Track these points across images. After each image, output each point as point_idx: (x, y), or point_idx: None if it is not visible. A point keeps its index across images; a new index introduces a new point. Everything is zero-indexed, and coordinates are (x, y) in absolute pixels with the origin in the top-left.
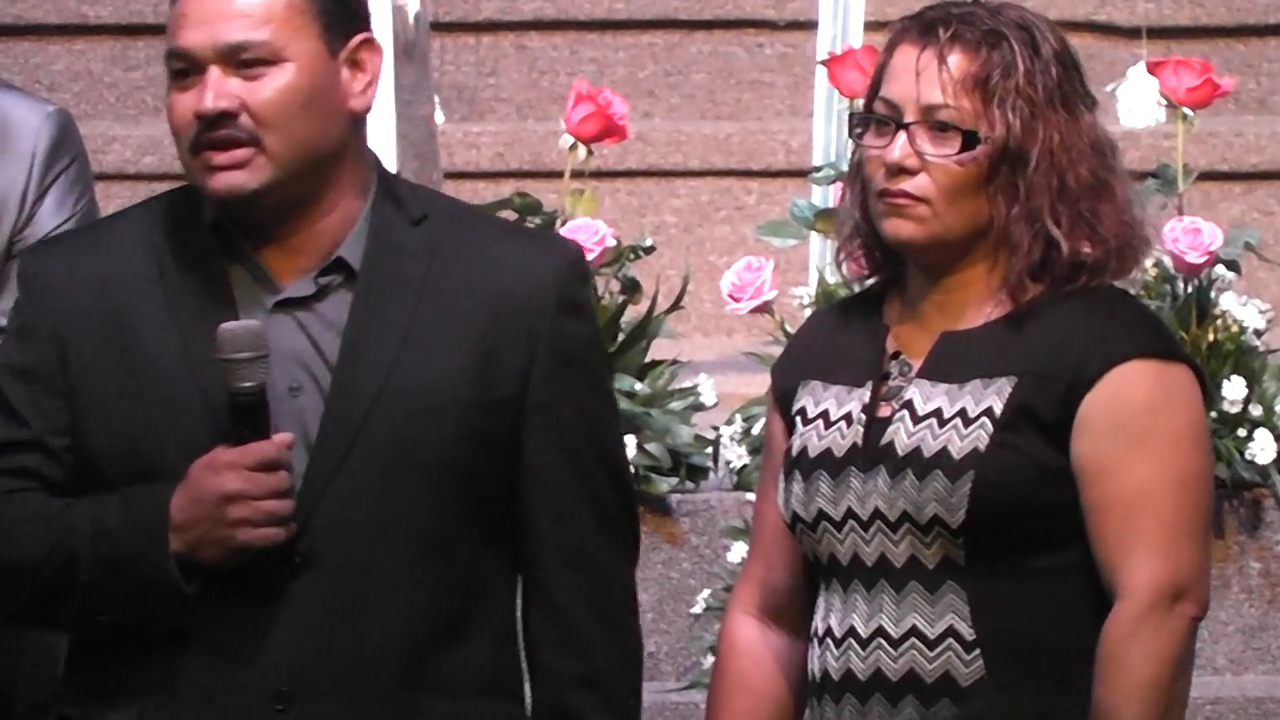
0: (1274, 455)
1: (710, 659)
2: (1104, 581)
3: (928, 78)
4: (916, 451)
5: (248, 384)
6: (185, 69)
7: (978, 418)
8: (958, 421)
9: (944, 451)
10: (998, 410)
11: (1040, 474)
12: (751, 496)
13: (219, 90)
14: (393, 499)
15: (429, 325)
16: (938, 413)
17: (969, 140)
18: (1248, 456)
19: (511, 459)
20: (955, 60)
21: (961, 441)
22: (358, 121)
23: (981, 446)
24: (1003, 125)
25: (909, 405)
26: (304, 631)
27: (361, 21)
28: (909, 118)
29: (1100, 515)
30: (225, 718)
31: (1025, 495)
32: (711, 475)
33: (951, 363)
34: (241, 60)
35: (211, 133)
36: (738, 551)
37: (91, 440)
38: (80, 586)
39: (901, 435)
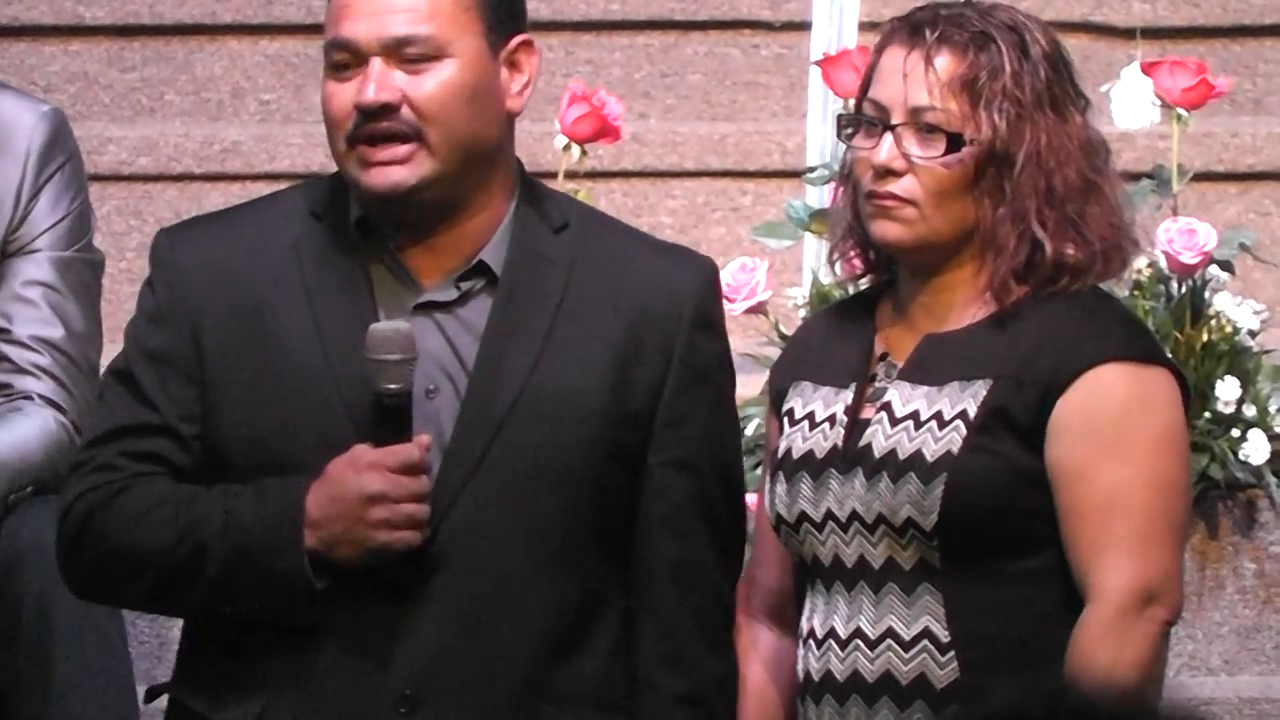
0: (1268, 456)
1: None
2: (1077, 585)
3: (915, 80)
4: (892, 454)
5: (394, 385)
6: (346, 61)
7: (952, 420)
8: (933, 424)
9: (918, 454)
10: (972, 413)
11: (1014, 477)
12: (749, 496)
13: (382, 82)
14: (523, 506)
15: (567, 335)
16: (915, 415)
17: (955, 142)
18: (1241, 457)
19: (636, 472)
20: (942, 62)
21: (935, 444)
22: (511, 123)
23: (955, 449)
24: (989, 127)
25: (888, 407)
26: (431, 635)
27: (521, 22)
28: (896, 120)
29: (1073, 518)
30: (349, 716)
31: (999, 498)
32: None
33: (932, 365)
34: (405, 54)
35: (372, 125)
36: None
37: (222, 428)
38: (209, 577)
39: (879, 437)
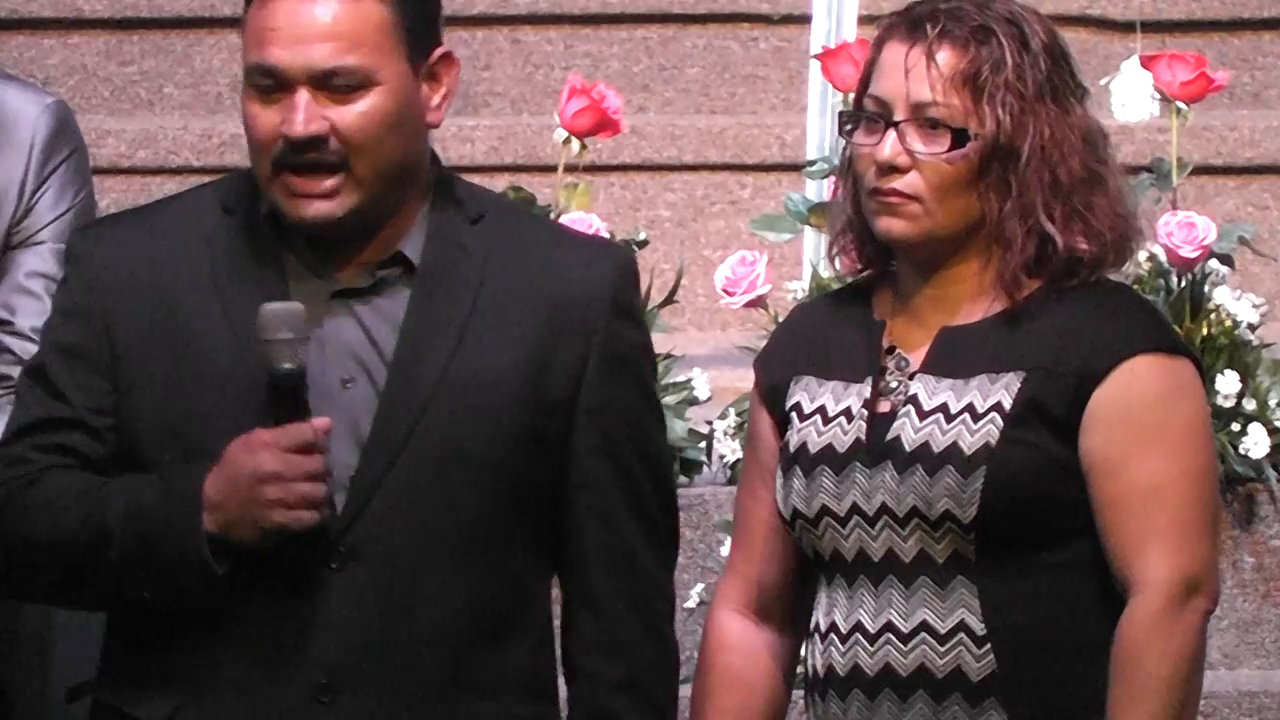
0: (1268, 449)
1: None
2: (1115, 576)
3: (917, 75)
4: (925, 447)
5: (287, 365)
6: (271, 86)
7: (987, 413)
8: (966, 417)
9: (954, 447)
10: (1007, 405)
11: (1050, 469)
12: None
13: (310, 114)
14: (443, 496)
15: (485, 324)
16: (944, 408)
17: (959, 138)
18: (1241, 451)
19: (558, 461)
20: (944, 57)
21: (972, 437)
22: (429, 133)
23: (993, 442)
24: (993, 121)
25: (914, 400)
26: (348, 625)
27: (438, 33)
28: (899, 116)
29: (1112, 510)
30: (266, 709)
31: (1036, 490)
32: (705, 470)
33: (954, 358)
34: (333, 85)
35: (299, 156)
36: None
37: (135, 421)
38: (112, 563)
39: (909, 430)
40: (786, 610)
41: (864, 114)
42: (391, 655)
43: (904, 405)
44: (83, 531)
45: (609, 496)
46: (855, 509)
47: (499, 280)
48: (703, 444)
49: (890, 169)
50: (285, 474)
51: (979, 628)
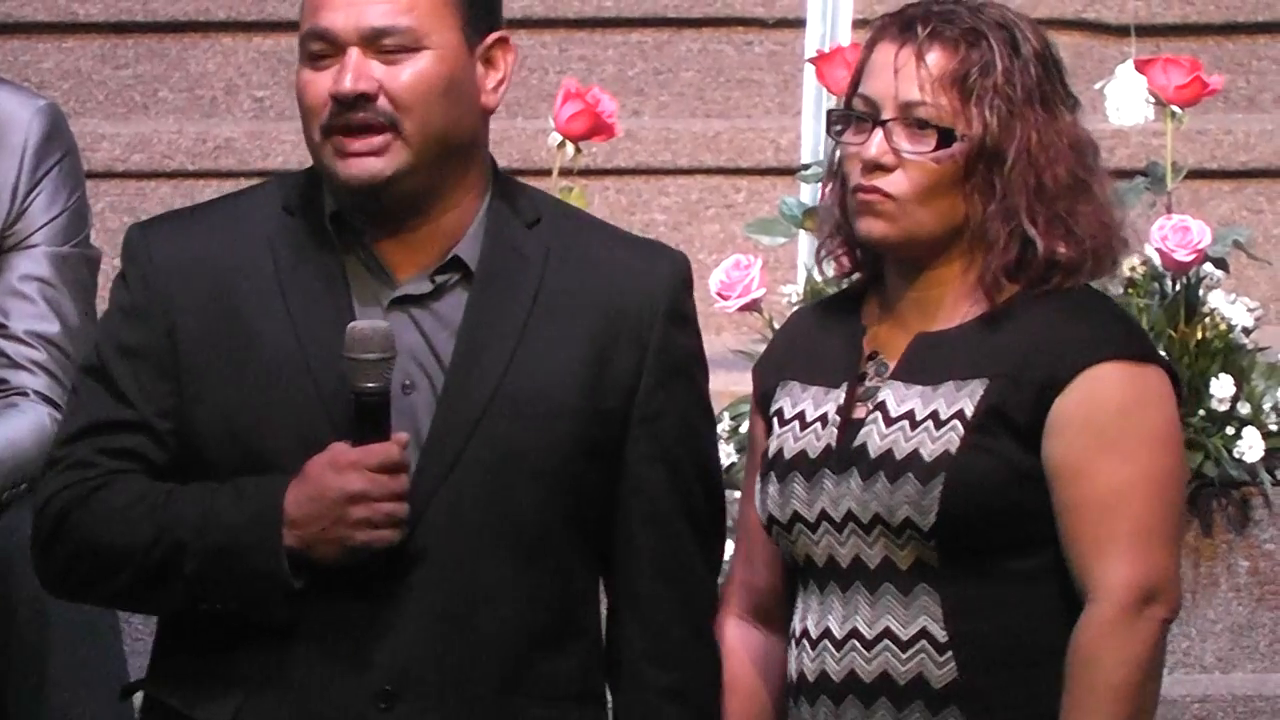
0: (1262, 453)
1: None
2: (1076, 583)
3: (906, 75)
4: (889, 454)
5: (373, 384)
6: (323, 51)
7: (949, 420)
8: (930, 424)
9: (915, 454)
10: (969, 412)
11: (1012, 476)
12: (735, 494)
13: (359, 72)
14: (501, 502)
15: (543, 330)
16: (910, 415)
17: (945, 138)
18: (1236, 455)
19: (613, 466)
20: (934, 58)
21: (933, 444)
22: (486, 119)
23: (953, 449)
24: (980, 123)
25: (882, 407)
26: (409, 631)
27: (498, 19)
28: (886, 115)
29: (1072, 517)
30: (327, 713)
31: (997, 498)
32: None
33: (926, 364)
34: (383, 45)
35: (348, 115)
36: (727, 549)
37: (197, 424)
38: (186, 576)
39: (874, 437)
40: (783, 615)
41: (852, 113)
42: (452, 660)
43: (873, 411)
44: (156, 543)
45: (663, 503)
46: (824, 515)
47: (555, 285)
48: None
49: (875, 167)
50: (372, 494)
51: (941, 635)
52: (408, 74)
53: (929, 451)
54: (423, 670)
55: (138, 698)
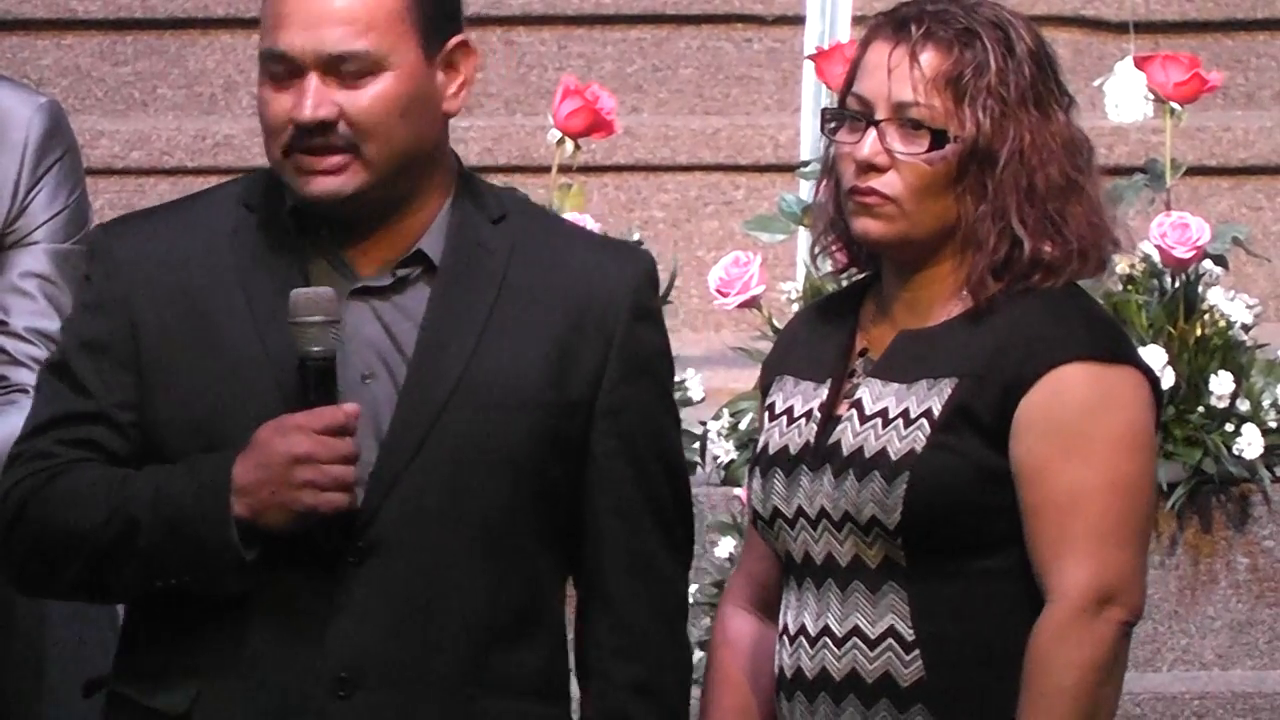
0: (1261, 450)
1: (699, 654)
2: (1038, 585)
3: (899, 75)
4: (859, 451)
5: (318, 348)
6: (283, 71)
7: (917, 419)
8: (899, 422)
9: (883, 452)
10: (936, 411)
11: (978, 476)
12: (739, 492)
13: (319, 99)
14: (462, 494)
15: (506, 323)
16: (883, 413)
17: (939, 139)
18: (1235, 451)
19: (577, 461)
20: (927, 58)
21: (900, 442)
22: (447, 123)
23: (918, 448)
24: (973, 124)
25: (858, 404)
26: (368, 618)
27: (457, 23)
28: (880, 115)
29: (1034, 517)
30: (285, 700)
31: (962, 497)
32: (699, 470)
33: (903, 362)
34: (343, 70)
35: (309, 140)
36: (725, 546)
37: (160, 415)
38: (139, 551)
39: (848, 435)
40: None
41: (846, 113)
42: (409, 651)
43: (850, 409)
44: (110, 521)
45: (627, 498)
46: (800, 511)
47: (520, 280)
48: (696, 445)
49: (869, 168)
50: (318, 455)
51: (908, 634)
52: (367, 99)
53: (895, 450)
54: (380, 659)
55: None
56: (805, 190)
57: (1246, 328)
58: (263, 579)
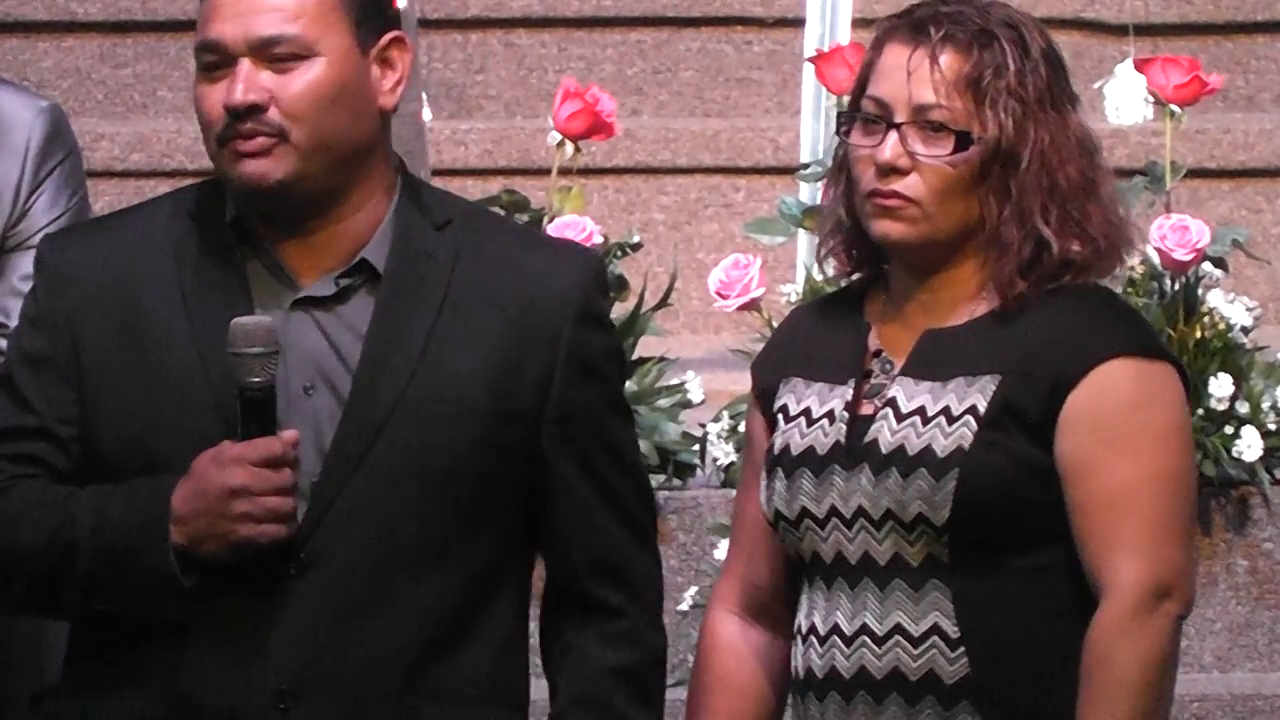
0: (1260, 452)
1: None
2: (1088, 580)
3: (919, 77)
4: (900, 450)
5: (257, 379)
6: (216, 61)
7: (962, 415)
8: (941, 419)
9: (928, 449)
10: (982, 408)
11: (1024, 472)
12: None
13: (249, 83)
14: (404, 505)
15: (451, 332)
16: (921, 410)
17: (962, 141)
18: (1234, 454)
19: (527, 468)
20: (947, 60)
21: (946, 440)
22: (385, 120)
23: (966, 445)
24: (995, 126)
25: (892, 403)
26: (308, 632)
27: (392, 20)
28: (900, 117)
29: (1084, 514)
30: (226, 714)
31: (1009, 493)
32: (699, 472)
33: (935, 360)
34: (273, 54)
35: (239, 125)
36: (724, 549)
37: (100, 431)
38: (79, 576)
39: (885, 433)
40: (781, 612)
41: (862, 115)
42: (349, 662)
43: (883, 408)
44: (50, 546)
45: (586, 500)
46: (833, 511)
47: (465, 287)
48: (696, 447)
49: (891, 170)
50: (254, 488)
51: (952, 631)
52: (299, 83)
53: (942, 447)
54: (321, 671)
55: None
56: (805, 193)
57: (1246, 330)
58: (202, 601)
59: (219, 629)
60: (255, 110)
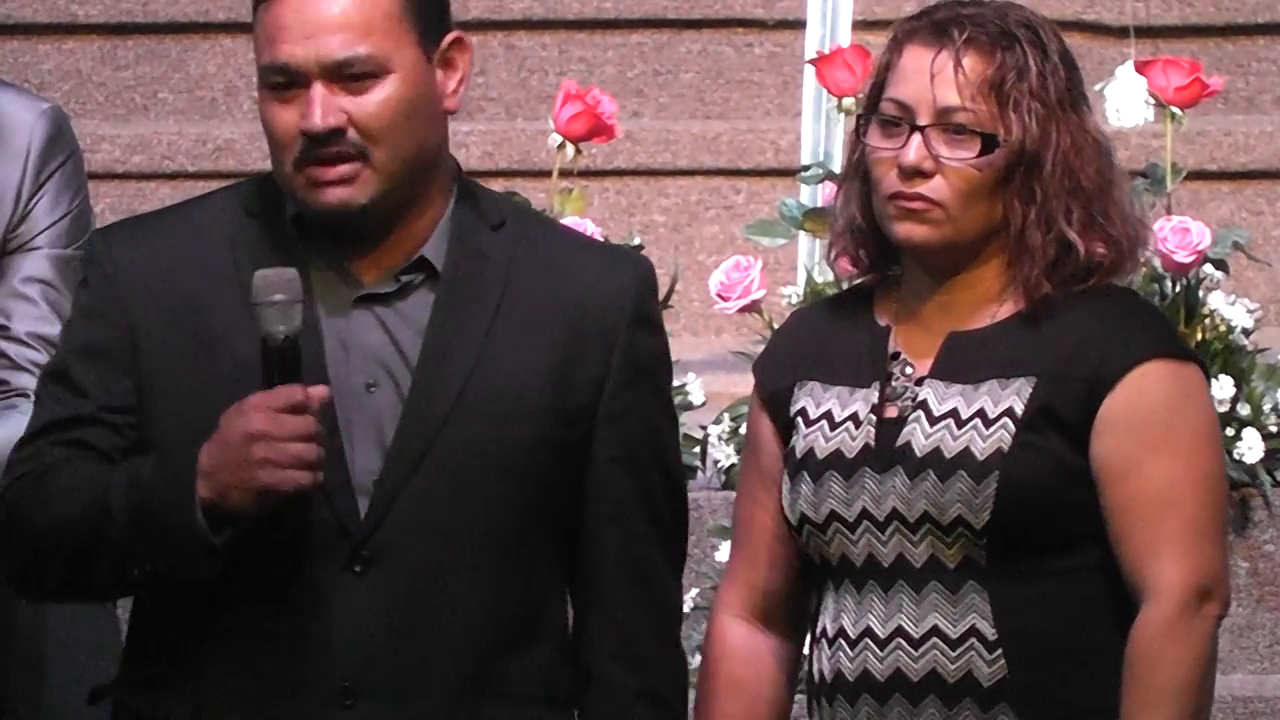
0: (1262, 454)
1: (698, 658)
2: (1127, 582)
3: (943, 80)
4: (936, 452)
5: (280, 328)
6: (286, 82)
7: (999, 418)
8: (977, 422)
9: (966, 452)
10: (1019, 410)
11: (1061, 474)
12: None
13: (327, 107)
14: (466, 502)
15: (509, 330)
16: (954, 413)
17: (988, 144)
18: (1236, 456)
19: (578, 468)
20: (970, 63)
21: (984, 442)
22: (447, 122)
23: (1005, 447)
24: (1019, 128)
25: (924, 406)
26: (369, 631)
27: (450, 20)
28: (924, 120)
29: (1123, 516)
30: (288, 711)
31: (1048, 495)
32: (700, 474)
33: (962, 363)
34: (346, 75)
35: (320, 150)
36: (725, 551)
37: (157, 421)
38: (112, 541)
39: (919, 436)
40: (789, 615)
41: (881, 117)
42: (412, 661)
43: (913, 411)
44: (86, 513)
45: (627, 505)
46: (865, 514)
47: (520, 287)
48: (697, 449)
49: (915, 173)
50: (273, 433)
51: (990, 633)
52: (374, 103)
53: (980, 450)
54: (382, 668)
55: None
56: (806, 194)
57: (1247, 332)
58: (261, 594)
59: (282, 627)
60: (335, 134)
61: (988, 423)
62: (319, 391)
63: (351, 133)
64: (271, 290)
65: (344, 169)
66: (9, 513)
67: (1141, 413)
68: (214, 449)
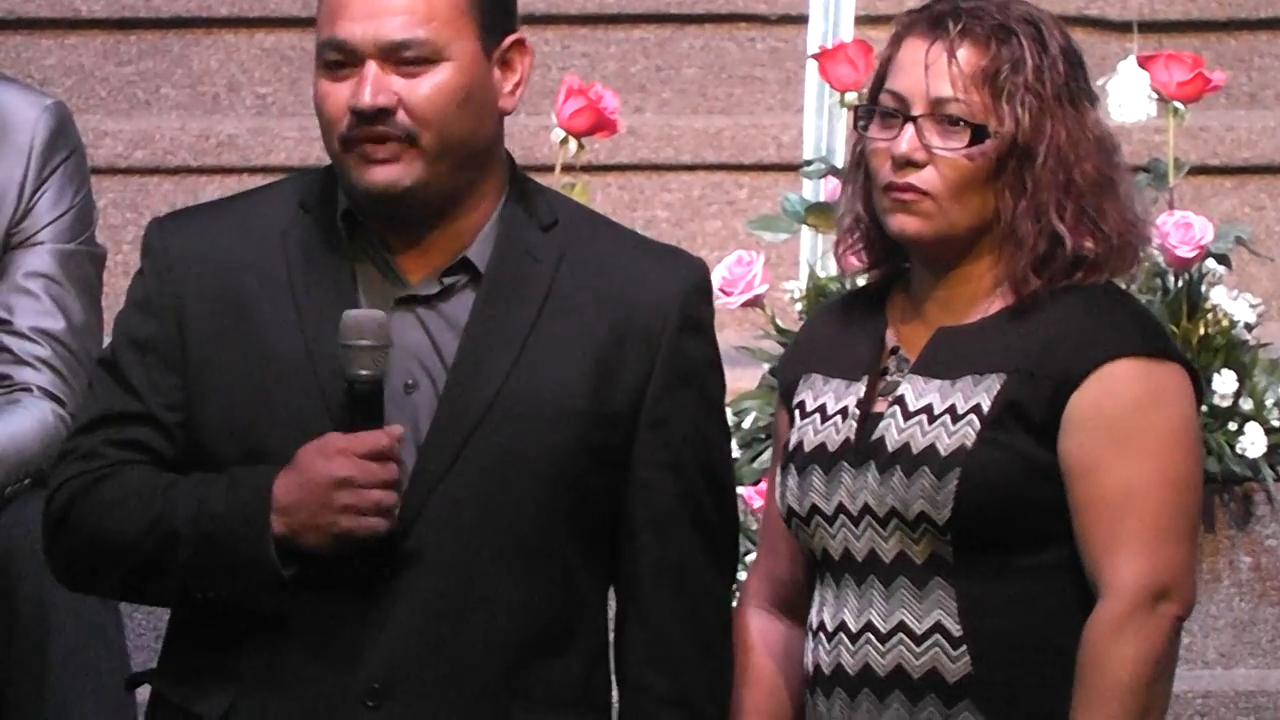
0: (1264, 449)
1: None
2: (1089, 580)
3: (937, 71)
4: (906, 448)
5: (366, 372)
6: (341, 60)
7: (966, 414)
8: (946, 418)
9: (931, 448)
10: (985, 407)
11: (1028, 472)
12: (742, 490)
13: (378, 86)
14: (498, 505)
15: (550, 333)
16: (928, 409)
17: (978, 134)
18: (1238, 451)
19: (620, 472)
20: (965, 54)
21: (949, 438)
22: (503, 122)
23: (968, 444)
24: (1012, 120)
25: (901, 401)
26: (402, 629)
27: (513, 21)
28: (917, 111)
29: (1086, 514)
30: (316, 709)
31: (1012, 493)
32: None
33: (945, 358)
34: (401, 57)
35: (367, 128)
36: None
37: (205, 418)
38: (180, 565)
39: (892, 431)
40: (805, 606)
41: (880, 109)
42: (443, 661)
43: (891, 405)
44: (150, 533)
45: (669, 511)
46: (841, 508)
47: (567, 289)
48: None
49: (906, 163)
50: (359, 480)
51: (955, 629)
52: (426, 87)
53: (945, 446)
54: (412, 669)
55: (143, 690)
56: (809, 190)
57: (1249, 327)
58: (300, 594)
59: (314, 626)
60: (383, 114)
61: (955, 419)
62: (397, 431)
63: (401, 115)
64: (361, 333)
65: (391, 147)
66: (64, 510)
67: (1107, 411)
68: (292, 486)
